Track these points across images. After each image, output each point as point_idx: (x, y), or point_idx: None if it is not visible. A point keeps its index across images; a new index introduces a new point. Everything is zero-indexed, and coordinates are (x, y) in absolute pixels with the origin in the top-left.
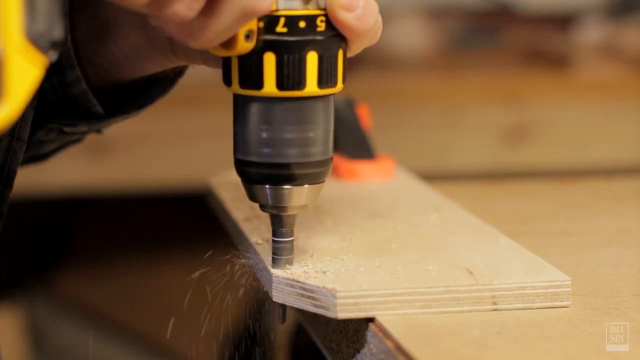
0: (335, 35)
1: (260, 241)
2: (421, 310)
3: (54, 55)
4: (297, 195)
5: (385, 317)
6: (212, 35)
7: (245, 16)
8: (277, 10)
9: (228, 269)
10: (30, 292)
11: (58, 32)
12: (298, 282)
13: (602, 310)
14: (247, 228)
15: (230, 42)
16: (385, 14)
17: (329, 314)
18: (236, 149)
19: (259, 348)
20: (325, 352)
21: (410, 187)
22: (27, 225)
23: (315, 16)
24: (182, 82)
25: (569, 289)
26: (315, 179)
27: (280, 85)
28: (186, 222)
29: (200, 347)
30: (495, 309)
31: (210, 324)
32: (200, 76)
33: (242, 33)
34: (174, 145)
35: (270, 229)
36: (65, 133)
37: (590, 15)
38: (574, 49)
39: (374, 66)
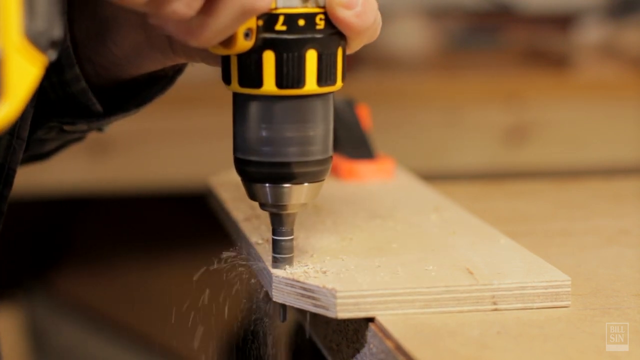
0: (335, 33)
1: (260, 241)
2: (421, 310)
3: (53, 55)
4: (297, 194)
5: (385, 317)
6: (211, 34)
7: (244, 14)
8: (276, 8)
9: (228, 269)
10: (30, 292)
11: (57, 31)
12: (298, 282)
13: (602, 310)
14: (247, 228)
15: (229, 41)
16: (385, 13)
17: (329, 314)
18: (236, 148)
19: (259, 348)
20: (325, 352)
21: (410, 187)
22: (27, 225)
23: (315, 14)
24: (182, 81)
25: (569, 289)
26: (315, 177)
27: (279, 84)
28: (186, 222)
29: (200, 347)
30: (495, 309)
31: (210, 324)
32: (200, 75)
33: (241, 31)
34: (174, 145)
35: (270, 228)
36: (65, 132)
37: (590, 15)
38: (574, 49)
39: (374, 66)
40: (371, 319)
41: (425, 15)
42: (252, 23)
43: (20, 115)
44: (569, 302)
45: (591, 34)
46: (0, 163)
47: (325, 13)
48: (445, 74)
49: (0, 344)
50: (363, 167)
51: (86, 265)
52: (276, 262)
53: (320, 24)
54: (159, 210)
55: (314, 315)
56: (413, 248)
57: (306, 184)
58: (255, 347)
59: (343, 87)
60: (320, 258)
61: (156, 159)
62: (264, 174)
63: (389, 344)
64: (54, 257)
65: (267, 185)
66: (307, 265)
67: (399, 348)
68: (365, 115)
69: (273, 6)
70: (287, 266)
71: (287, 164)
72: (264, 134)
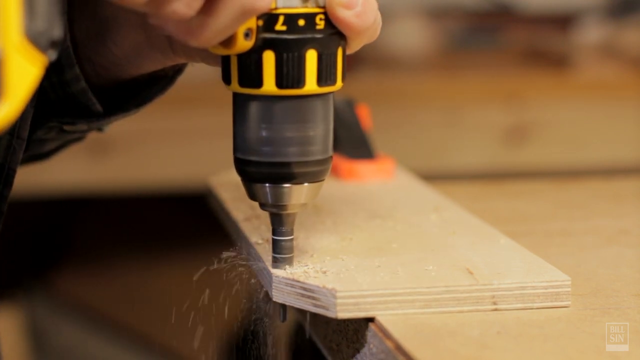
0: (335, 33)
1: (260, 241)
2: (421, 310)
3: (53, 55)
4: (297, 194)
5: (385, 317)
6: (211, 34)
7: (244, 14)
8: (276, 8)
9: (228, 269)
10: (30, 292)
11: (57, 31)
12: (298, 282)
13: (602, 310)
14: (247, 228)
15: (229, 41)
16: (385, 14)
17: (329, 314)
18: (236, 148)
19: (259, 348)
20: (325, 352)
21: (410, 187)
22: (27, 225)
23: (315, 14)
24: (182, 81)
25: (569, 289)
26: (315, 177)
27: (279, 84)
28: (186, 222)
29: (200, 347)
30: (495, 309)
31: (210, 324)
32: (200, 75)
33: (241, 31)
34: (173, 145)
35: (270, 228)
36: (65, 132)
37: (590, 15)
38: (574, 49)
39: (374, 66)
40: (371, 319)
41: (425, 15)
42: (252, 23)
43: (20, 115)
44: (569, 302)
45: (591, 34)
46: (0, 163)
47: (325, 13)
48: (445, 74)
49: (0, 344)
50: (363, 167)
51: (86, 265)
52: (276, 262)
53: (320, 24)
54: (159, 210)
55: (314, 315)
56: (413, 248)
57: (306, 184)
58: (255, 347)
59: (343, 87)
60: (320, 258)
61: (156, 159)
62: (264, 174)
63: (389, 344)
64: (54, 257)
65: (267, 185)
66: (307, 265)
67: (399, 348)
68: (365, 115)
69: (273, 6)
70: (287, 266)
71: (287, 164)
72: (264, 134)
